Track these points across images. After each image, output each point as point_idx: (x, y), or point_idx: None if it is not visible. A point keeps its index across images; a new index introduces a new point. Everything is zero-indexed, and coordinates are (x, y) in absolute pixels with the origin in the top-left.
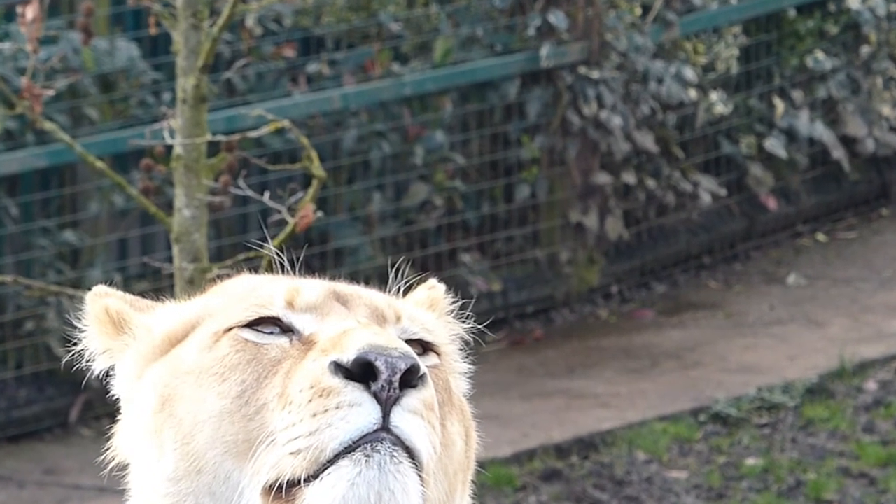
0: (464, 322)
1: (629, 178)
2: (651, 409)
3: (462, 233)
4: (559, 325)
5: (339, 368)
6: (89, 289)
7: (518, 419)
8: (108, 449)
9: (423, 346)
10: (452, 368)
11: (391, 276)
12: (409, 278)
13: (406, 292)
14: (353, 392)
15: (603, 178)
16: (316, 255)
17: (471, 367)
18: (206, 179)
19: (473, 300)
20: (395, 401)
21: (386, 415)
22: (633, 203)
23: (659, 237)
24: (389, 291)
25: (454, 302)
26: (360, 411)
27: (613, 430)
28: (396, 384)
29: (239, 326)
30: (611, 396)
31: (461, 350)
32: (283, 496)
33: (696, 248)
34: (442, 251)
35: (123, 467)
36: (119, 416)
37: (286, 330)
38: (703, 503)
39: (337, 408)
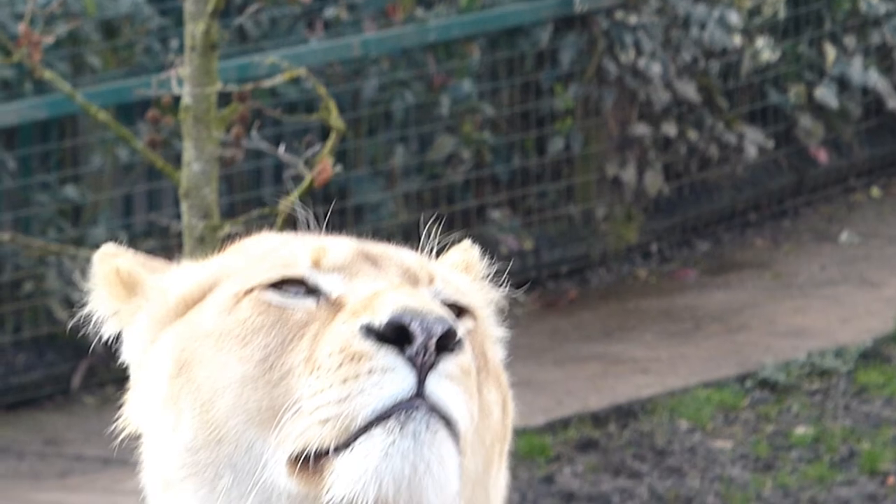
0: (499, 286)
1: (669, 129)
2: (694, 375)
3: (491, 188)
4: (595, 286)
5: (371, 332)
6: (92, 248)
7: (552, 386)
8: (116, 418)
9: (458, 310)
10: (488, 333)
11: (422, 234)
12: (437, 237)
13: (437, 254)
14: (387, 356)
15: (641, 130)
16: (335, 211)
17: (508, 329)
18: (217, 132)
19: (503, 259)
20: (431, 366)
21: (421, 381)
22: (673, 156)
23: (701, 192)
24: (420, 251)
25: (489, 265)
26: (394, 377)
27: (654, 398)
28: (433, 348)
29: (261, 287)
30: (651, 361)
31: (496, 316)
32: (311, 467)
33: (741, 204)
34: (470, 207)
35: (135, 438)
36: (128, 384)
37: (312, 291)
38: (749, 474)
39: (369, 373)
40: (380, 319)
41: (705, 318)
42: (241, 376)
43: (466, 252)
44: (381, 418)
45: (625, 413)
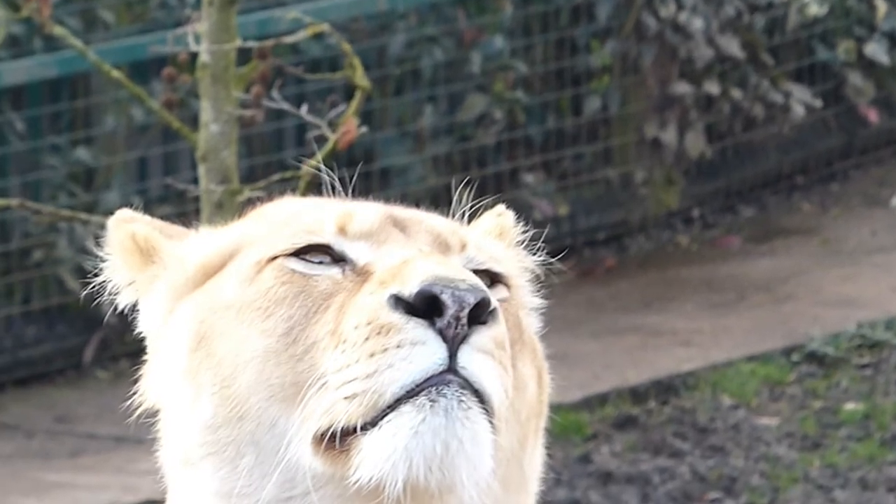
0: (534, 253)
1: (712, 88)
2: (738, 348)
3: (524, 150)
4: (634, 254)
5: (400, 302)
6: (105, 214)
7: (588, 359)
8: (132, 394)
9: (492, 278)
10: (523, 303)
11: (454, 199)
12: (469, 202)
13: (469, 219)
14: (416, 329)
15: (682, 89)
16: (360, 175)
17: (542, 300)
18: (236, 91)
19: (537, 226)
20: (463, 339)
21: (453, 354)
22: (716, 116)
23: (746, 155)
24: (451, 217)
25: (524, 231)
26: (424, 350)
27: (695, 372)
28: (464, 320)
29: (285, 255)
30: (692, 334)
31: (532, 284)
32: (337, 446)
33: (787, 166)
34: (502, 171)
35: (152, 414)
36: (145, 357)
37: (338, 259)
38: (796, 453)
39: (398, 347)
40: (409, 290)
41: (750, 287)
42: (264, 350)
43: (500, 217)
44: (410, 394)
45: (665, 388)
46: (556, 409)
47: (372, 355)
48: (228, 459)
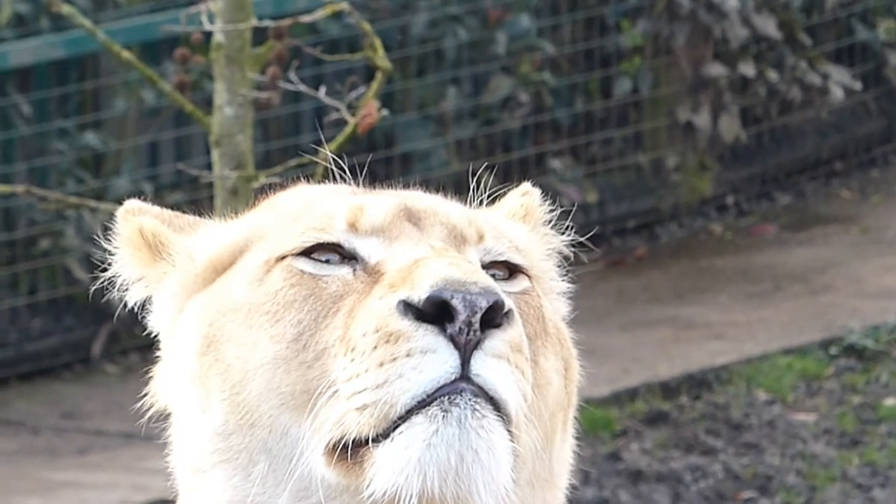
0: (562, 233)
1: (747, 69)
2: (773, 341)
3: (551, 134)
4: (665, 243)
5: (409, 308)
6: (114, 201)
7: (617, 353)
8: (143, 395)
9: (511, 269)
10: (549, 288)
11: (473, 184)
12: (491, 188)
13: (493, 200)
14: (426, 336)
15: (716, 70)
16: (380, 160)
17: (570, 286)
18: (252, 72)
19: (564, 213)
20: (476, 344)
21: (465, 361)
22: (751, 99)
23: (782, 139)
24: (471, 203)
25: (551, 210)
26: (435, 358)
27: (729, 366)
28: (477, 325)
29: (293, 255)
30: (726, 326)
31: (559, 266)
32: (349, 458)
33: (826, 151)
34: (528, 156)
35: (164, 417)
36: (155, 352)
37: (348, 258)
38: (833, 450)
39: (407, 355)
40: (418, 295)
41: (786, 277)
42: (273, 357)
43: (525, 197)
44: (422, 405)
45: (697, 383)
46: (584, 404)
47: (381, 365)
48: (241, 467)
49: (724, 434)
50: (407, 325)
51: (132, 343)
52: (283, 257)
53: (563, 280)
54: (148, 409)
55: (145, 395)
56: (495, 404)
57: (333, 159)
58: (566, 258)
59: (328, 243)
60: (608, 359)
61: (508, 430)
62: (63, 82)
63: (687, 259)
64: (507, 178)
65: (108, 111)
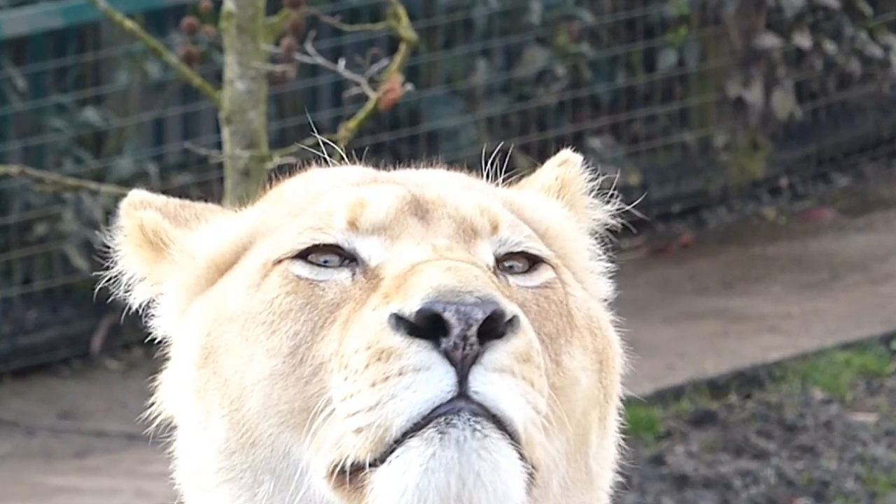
0: (605, 202)
1: (802, 40)
2: (830, 335)
3: (590, 111)
4: (713, 228)
5: (402, 322)
6: (116, 183)
7: (661, 347)
8: (148, 394)
9: (531, 259)
10: (585, 269)
11: (498, 164)
12: (524, 170)
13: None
14: (419, 353)
15: (769, 41)
16: (405, 139)
17: (611, 266)
18: (265, 43)
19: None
20: (474, 359)
21: (463, 378)
22: (807, 73)
23: (840, 116)
24: (498, 182)
25: (592, 180)
26: (429, 376)
27: (782, 362)
28: (474, 338)
29: (290, 258)
30: (779, 318)
31: (603, 240)
32: (348, 482)
33: (887, 129)
34: (565, 134)
35: (172, 427)
36: (159, 347)
37: (348, 258)
38: (895, 454)
39: (400, 374)
40: (409, 308)
41: (844, 266)
42: (270, 372)
43: (562, 167)
44: (418, 427)
45: (748, 380)
46: (624, 403)
47: (374, 385)
48: (246, 486)
49: (777, 436)
50: (399, 340)
51: (135, 337)
52: (280, 261)
53: (600, 260)
54: (154, 418)
55: (150, 396)
56: (499, 422)
57: (340, 155)
58: (611, 231)
59: (326, 244)
60: (651, 354)
61: (515, 447)
62: (61, 54)
63: (737, 246)
64: (542, 157)
65: (110, 85)
